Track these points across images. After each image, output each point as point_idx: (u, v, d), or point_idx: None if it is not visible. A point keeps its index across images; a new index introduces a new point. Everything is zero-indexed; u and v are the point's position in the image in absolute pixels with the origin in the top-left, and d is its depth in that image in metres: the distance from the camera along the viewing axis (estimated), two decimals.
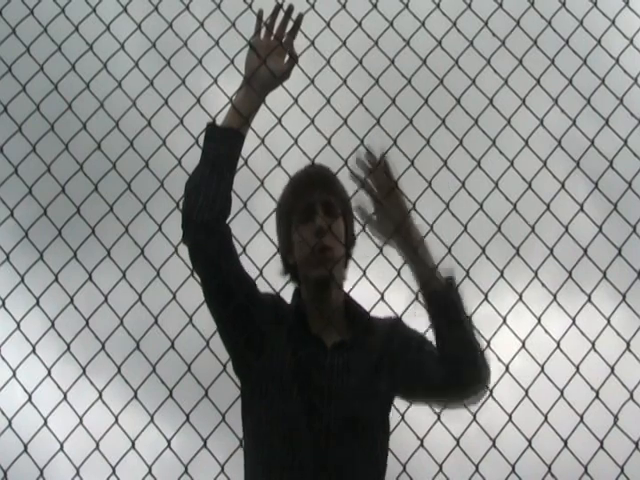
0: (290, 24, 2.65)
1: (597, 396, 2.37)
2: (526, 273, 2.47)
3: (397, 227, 2.51)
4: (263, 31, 2.66)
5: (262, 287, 2.50)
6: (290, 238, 2.56)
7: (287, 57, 2.65)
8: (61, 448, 2.42)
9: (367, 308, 2.51)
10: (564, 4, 2.75)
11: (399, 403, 2.47)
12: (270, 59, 2.61)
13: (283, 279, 2.60)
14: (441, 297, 2.49)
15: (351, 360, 2.43)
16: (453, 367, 2.42)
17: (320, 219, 2.52)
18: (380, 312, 2.48)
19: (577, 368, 2.39)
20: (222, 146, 2.50)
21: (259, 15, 2.67)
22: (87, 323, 2.48)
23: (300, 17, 2.65)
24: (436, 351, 2.48)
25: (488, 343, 2.40)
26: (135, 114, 2.60)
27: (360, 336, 2.48)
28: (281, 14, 2.66)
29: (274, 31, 2.66)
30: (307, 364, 2.40)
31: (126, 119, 2.63)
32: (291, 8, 2.65)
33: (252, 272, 2.45)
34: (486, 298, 2.42)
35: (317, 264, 2.48)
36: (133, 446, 2.35)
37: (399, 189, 2.56)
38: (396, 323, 2.54)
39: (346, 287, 2.58)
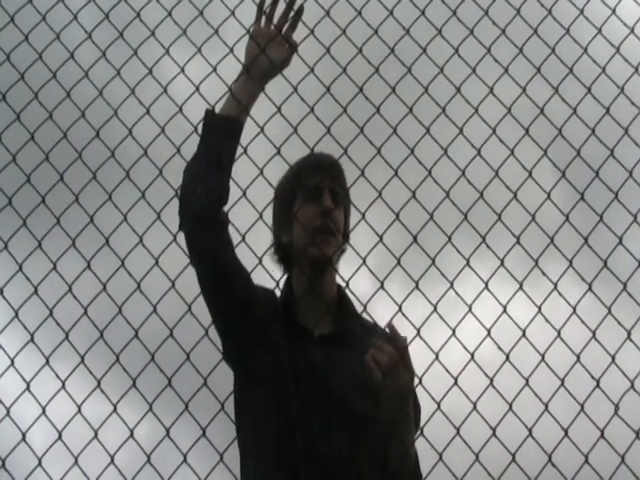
0: (291, 15, 2.65)
1: (598, 385, 2.36)
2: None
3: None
4: (263, 19, 2.66)
5: (258, 278, 2.51)
6: (289, 215, 2.55)
7: (286, 46, 2.65)
8: (59, 437, 2.41)
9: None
10: None
11: None
12: (270, 48, 2.61)
13: (273, 259, 2.59)
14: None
15: (336, 354, 2.42)
16: None
17: (327, 201, 2.51)
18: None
19: (578, 357, 2.38)
20: (221, 134, 2.50)
21: (260, 4, 2.66)
22: (85, 312, 2.47)
23: (301, 8, 2.64)
24: None
25: (489, 332, 2.39)
26: (134, 102, 2.60)
27: (348, 330, 2.47)
28: (282, 4, 2.65)
29: (274, 21, 2.66)
30: (292, 360, 2.38)
31: (123, 107, 2.63)
32: (293, 0, 2.65)
33: (248, 262, 2.46)
34: (486, 286, 2.42)
35: (319, 243, 2.47)
36: (132, 435, 2.34)
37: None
38: None
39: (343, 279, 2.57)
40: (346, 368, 2.40)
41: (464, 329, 2.37)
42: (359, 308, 2.51)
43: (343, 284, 2.56)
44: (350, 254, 2.53)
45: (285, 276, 2.62)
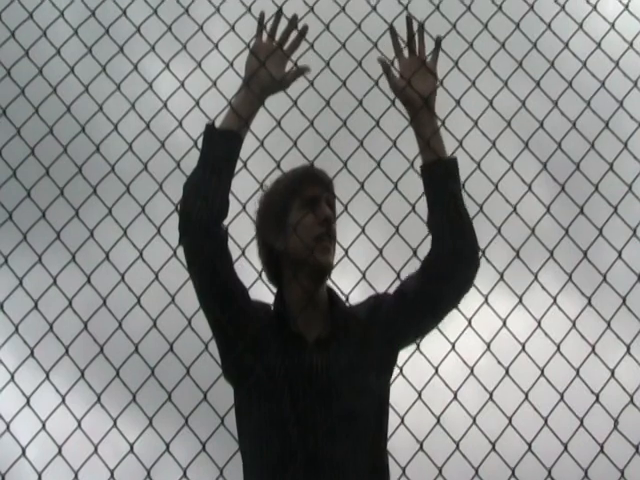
0: (293, 34, 2.65)
1: (597, 399, 2.36)
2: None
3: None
4: (264, 35, 2.66)
5: (256, 292, 2.51)
6: (283, 223, 2.55)
7: (291, 66, 2.64)
8: (59, 452, 2.41)
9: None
10: (563, 7, 2.75)
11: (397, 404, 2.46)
12: (271, 64, 2.61)
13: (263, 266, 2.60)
14: (444, 165, 2.57)
15: (333, 357, 2.43)
16: (444, 239, 2.50)
17: (326, 210, 2.54)
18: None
19: (577, 372, 2.38)
20: (220, 148, 2.50)
21: (260, 18, 2.67)
22: (86, 326, 2.47)
23: (305, 28, 2.64)
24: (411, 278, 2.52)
25: (488, 346, 2.39)
26: (134, 117, 2.61)
27: (341, 331, 2.48)
28: (283, 22, 2.65)
29: (276, 37, 2.66)
30: (290, 366, 2.39)
31: (123, 122, 2.63)
32: (295, 18, 2.65)
33: (247, 275, 2.47)
34: (486, 301, 2.43)
35: (320, 251, 2.49)
36: (132, 450, 2.34)
37: (429, 68, 2.66)
38: (376, 298, 2.57)
39: (347, 287, 2.57)
40: (344, 368, 2.41)
41: (455, 335, 2.39)
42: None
43: (336, 292, 2.58)
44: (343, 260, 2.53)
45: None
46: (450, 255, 2.48)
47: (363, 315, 2.52)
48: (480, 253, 2.50)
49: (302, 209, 2.55)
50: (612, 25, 2.73)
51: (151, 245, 2.47)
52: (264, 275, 2.58)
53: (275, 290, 2.58)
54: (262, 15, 2.67)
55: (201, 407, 2.28)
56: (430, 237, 2.53)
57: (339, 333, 2.47)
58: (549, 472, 2.28)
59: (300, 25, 2.65)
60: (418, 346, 2.41)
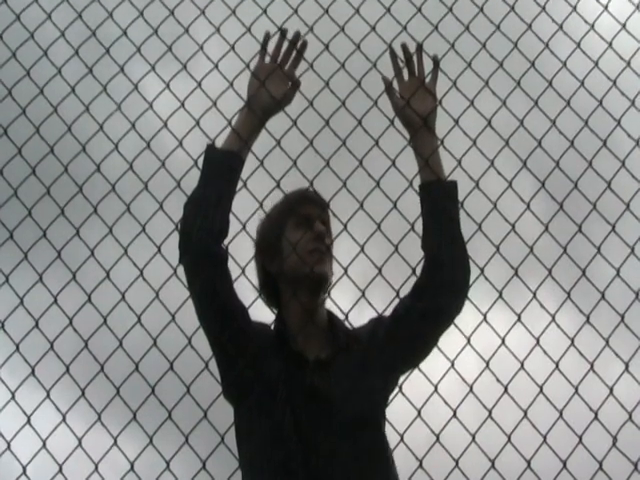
0: (294, 51, 2.67)
1: (596, 417, 2.37)
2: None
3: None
4: (267, 57, 2.67)
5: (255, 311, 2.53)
6: (278, 244, 2.57)
7: (289, 82, 2.66)
8: (60, 470, 2.41)
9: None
10: (561, 27, 2.77)
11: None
12: (272, 84, 2.62)
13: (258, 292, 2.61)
14: (443, 186, 2.59)
15: (334, 378, 2.43)
16: (437, 262, 2.52)
17: (320, 226, 2.56)
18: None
19: (576, 389, 2.39)
20: (221, 168, 2.51)
21: (264, 41, 2.68)
22: (86, 345, 2.48)
23: (304, 45, 2.66)
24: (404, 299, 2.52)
25: (487, 364, 2.39)
26: (134, 135, 2.62)
27: (342, 352, 2.49)
28: (285, 41, 2.67)
29: (278, 59, 2.67)
30: (291, 385, 2.40)
31: (123, 142, 2.65)
32: (297, 36, 2.66)
33: (247, 294, 2.48)
34: (485, 318, 2.43)
35: (315, 263, 2.51)
36: (132, 468, 2.34)
37: (428, 88, 2.68)
38: (376, 321, 2.58)
39: (344, 303, 2.58)
40: (345, 390, 2.41)
41: (453, 352, 2.40)
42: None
43: (336, 314, 2.59)
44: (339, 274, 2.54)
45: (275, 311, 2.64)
46: (441, 279, 2.49)
47: (364, 338, 2.53)
48: (471, 279, 2.52)
49: (297, 227, 2.57)
50: (609, 44, 2.75)
51: (151, 264, 2.47)
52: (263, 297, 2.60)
53: (275, 311, 2.59)
54: (266, 36, 2.68)
55: (201, 425, 2.28)
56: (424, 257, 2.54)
57: (340, 354, 2.48)
58: None
59: (299, 41, 2.66)
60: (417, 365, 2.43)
